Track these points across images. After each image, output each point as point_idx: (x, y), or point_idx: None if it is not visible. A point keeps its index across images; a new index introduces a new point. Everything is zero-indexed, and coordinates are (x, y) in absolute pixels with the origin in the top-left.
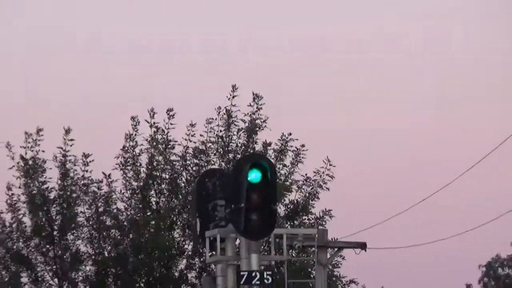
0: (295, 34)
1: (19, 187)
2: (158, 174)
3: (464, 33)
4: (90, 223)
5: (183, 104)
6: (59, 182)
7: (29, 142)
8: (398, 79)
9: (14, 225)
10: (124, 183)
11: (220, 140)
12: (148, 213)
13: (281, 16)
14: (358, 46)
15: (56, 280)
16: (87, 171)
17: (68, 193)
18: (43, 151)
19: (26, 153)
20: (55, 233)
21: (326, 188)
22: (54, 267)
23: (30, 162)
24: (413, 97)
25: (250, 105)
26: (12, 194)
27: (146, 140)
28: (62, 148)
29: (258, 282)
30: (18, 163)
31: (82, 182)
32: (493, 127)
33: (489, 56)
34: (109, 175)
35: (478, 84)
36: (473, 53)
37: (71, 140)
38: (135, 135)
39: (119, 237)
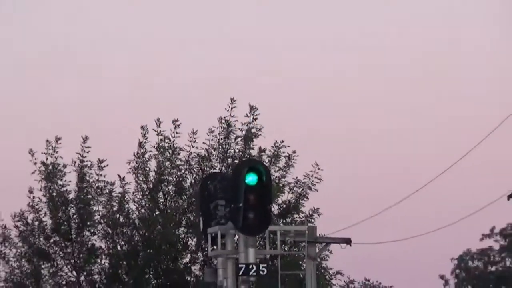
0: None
1: (40, 190)
2: (165, 177)
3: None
4: (105, 221)
5: (189, 114)
6: (77, 184)
7: (49, 149)
8: (377, 81)
9: (35, 224)
10: (135, 186)
11: (220, 147)
12: (157, 212)
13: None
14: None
15: (74, 272)
16: (101, 175)
17: (85, 194)
18: (61, 157)
19: (47, 159)
20: (73, 230)
21: (315, 189)
22: (72, 261)
23: (50, 167)
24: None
25: (247, 116)
26: (33, 196)
27: (154, 147)
28: (80, 154)
29: (254, 273)
30: (39, 168)
31: (97, 184)
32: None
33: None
34: (123, 177)
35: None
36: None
37: (88, 147)
38: (145, 142)
39: (130, 233)
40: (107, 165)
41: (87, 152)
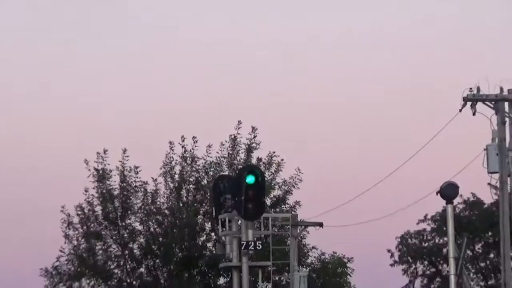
0: None
1: (93, 188)
2: (187, 178)
3: None
4: (141, 210)
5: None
6: (120, 184)
7: (99, 159)
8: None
9: (91, 213)
10: (164, 185)
11: (228, 156)
12: (181, 204)
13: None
14: None
15: (119, 248)
16: (137, 177)
17: (126, 191)
18: (108, 164)
19: (98, 166)
20: (118, 217)
21: (297, 187)
22: (118, 240)
23: (101, 172)
24: None
25: (249, 134)
26: (88, 193)
27: (179, 156)
28: (121, 161)
29: (252, 248)
30: (93, 172)
31: (134, 184)
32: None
33: None
34: (155, 179)
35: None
36: None
37: (127, 156)
38: (172, 153)
39: (161, 219)
40: (141, 170)
41: (127, 160)
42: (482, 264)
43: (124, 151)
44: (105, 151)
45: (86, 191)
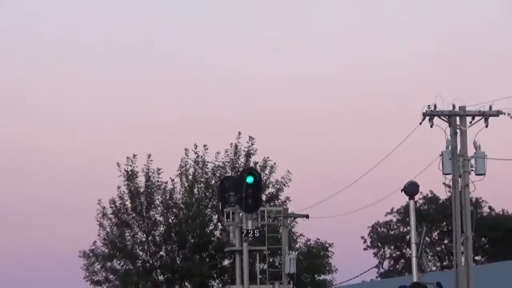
0: None
1: (124, 186)
2: (198, 179)
3: None
4: (162, 204)
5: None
6: (145, 183)
7: (129, 162)
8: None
9: (121, 206)
10: (180, 184)
11: (231, 161)
12: (193, 200)
13: None
14: None
15: (144, 235)
16: (159, 177)
17: (150, 189)
18: (136, 166)
19: (128, 168)
20: (143, 210)
21: (288, 186)
22: (143, 228)
23: (130, 173)
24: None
25: (247, 142)
26: (120, 190)
27: (193, 161)
28: (146, 165)
29: (251, 235)
30: (123, 173)
31: (157, 183)
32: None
33: None
34: (173, 179)
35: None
36: None
37: (151, 160)
38: (186, 158)
39: (177, 212)
40: (162, 172)
41: (151, 163)
42: (438, 249)
43: (149, 156)
44: (134, 156)
45: (118, 188)
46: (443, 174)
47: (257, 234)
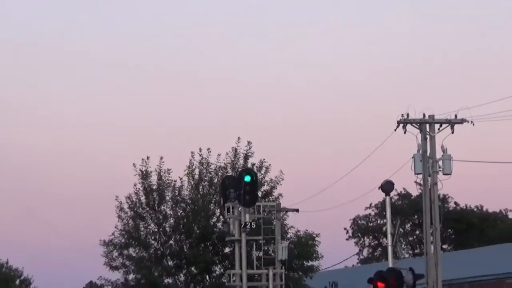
0: None
1: (139, 183)
2: (203, 177)
3: None
4: (172, 200)
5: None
6: (157, 181)
7: (143, 163)
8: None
9: (137, 201)
10: (187, 182)
11: (232, 162)
12: (199, 196)
13: None
14: None
15: (156, 226)
16: (169, 177)
17: (161, 186)
18: (149, 167)
19: (142, 168)
20: (156, 204)
21: (280, 184)
22: (155, 220)
23: (144, 172)
24: None
25: (246, 146)
26: (135, 187)
27: (198, 162)
28: (158, 165)
29: (249, 227)
30: (138, 173)
31: (167, 182)
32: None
33: None
34: (181, 178)
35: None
36: None
37: (163, 162)
38: (192, 160)
39: (185, 206)
40: (172, 171)
41: (162, 164)
42: (411, 238)
43: (161, 158)
44: (147, 158)
45: (134, 185)
46: (415, 173)
47: (253, 225)
